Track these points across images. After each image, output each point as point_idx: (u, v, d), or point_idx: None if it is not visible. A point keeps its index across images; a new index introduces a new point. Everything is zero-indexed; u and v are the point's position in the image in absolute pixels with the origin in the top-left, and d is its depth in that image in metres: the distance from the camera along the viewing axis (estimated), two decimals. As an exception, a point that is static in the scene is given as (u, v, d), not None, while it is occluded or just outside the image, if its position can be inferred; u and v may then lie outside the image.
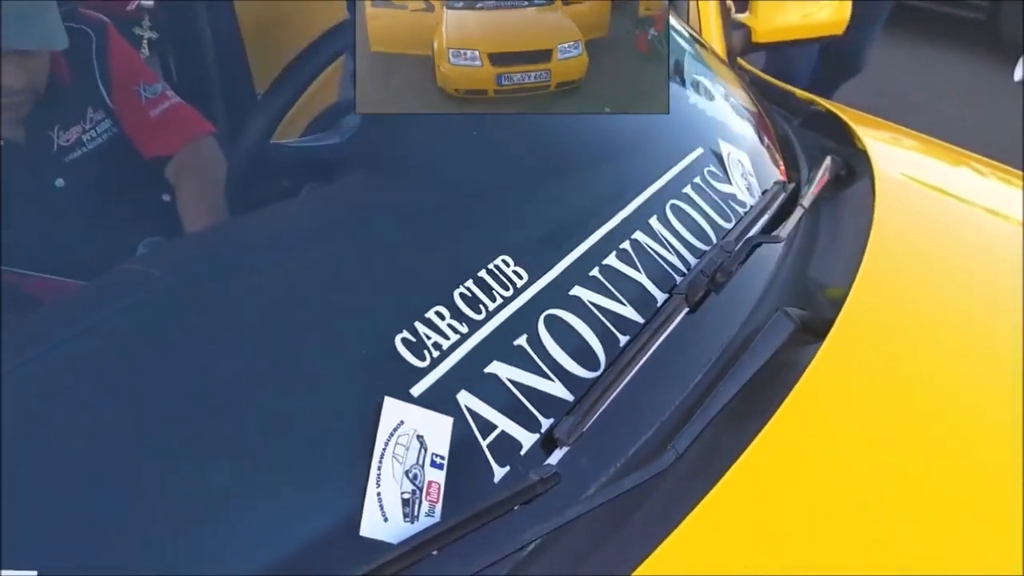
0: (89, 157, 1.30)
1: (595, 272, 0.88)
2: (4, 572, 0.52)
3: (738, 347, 0.89)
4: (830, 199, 1.21)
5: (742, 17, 1.84)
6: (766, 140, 1.34)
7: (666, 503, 0.71)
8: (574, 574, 0.67)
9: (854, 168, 1.29)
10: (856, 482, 0.76)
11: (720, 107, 1.31)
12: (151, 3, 1.30)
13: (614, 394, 0.78)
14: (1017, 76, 4.84)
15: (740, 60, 1.71)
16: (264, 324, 0.72)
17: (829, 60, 2.90)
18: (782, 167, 1.30)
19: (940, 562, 0.69)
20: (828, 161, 1.25)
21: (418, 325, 0.74)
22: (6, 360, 0.65)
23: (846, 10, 1.91)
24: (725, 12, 1.79)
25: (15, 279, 1.19)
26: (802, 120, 1.52)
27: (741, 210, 1.10)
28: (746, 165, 1.19)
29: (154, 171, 1.33)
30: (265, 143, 1.29)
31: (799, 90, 1.59)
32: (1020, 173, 1.43)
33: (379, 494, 0.64)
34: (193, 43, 1.53)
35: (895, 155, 1.39)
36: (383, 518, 0.64)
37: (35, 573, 0.52)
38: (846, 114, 1.47)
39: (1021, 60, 4.85)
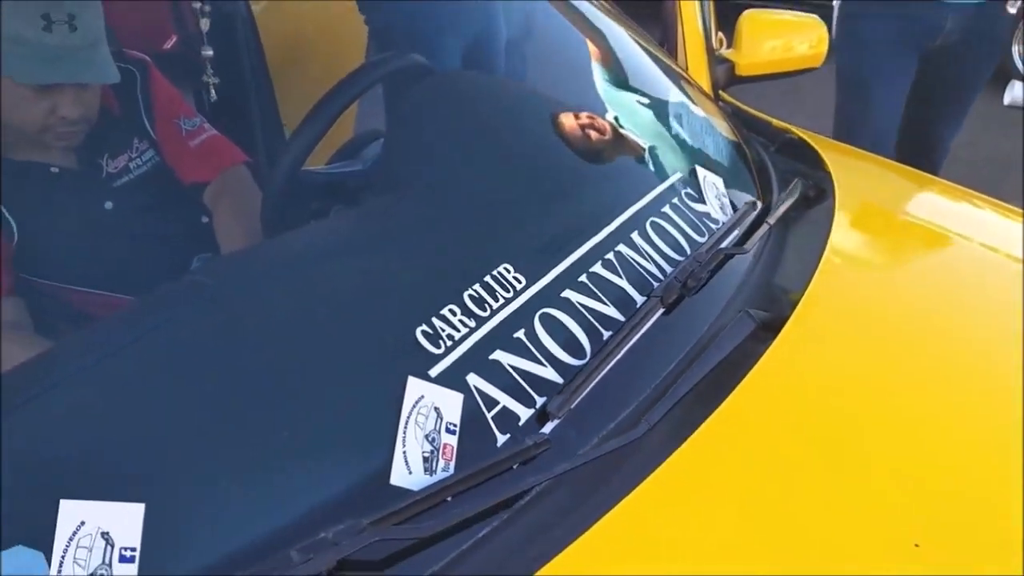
0: (134, 183, 1.45)
1: (583, 278, 1.03)
2: (117, 504, 0.67)
3: (706, 342, 1.04)
4: (797, 216, 1.37)
5: (726, 52, 2.00)
6: (742, 165, 1.50)
7: (639, 464, 0.86)
8: (565, 521, 0.82)
9: (821, 189, 1.45)
10: (796, 451, 0.91)
11: (699, 136, 1.47)
12: (211, 52, 1.46)
13: (597, 378, 0.94)
14: (1006, 100, 5.01)
15: (722, 93, 1.87)
16: (314, 321, 0.88)
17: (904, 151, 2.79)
18: (757, 189, 1.46)
19: (868, 524, 0.84)
20: (796, 183, 1.41)
21: (435, 320, 0.90)
22: (113, 343, 0.81)
23: (824, 44, 2.07)
24: (710, 49, 1.96)
25: (67, 294, 1.34)
26: (778, 147, 1.68)
27: (714, 226, 1.25)
28: (720, 188, 1.35)
29: (193, 196, 1.49)
30: (297, 170, 1.45)
31: (775, 120, 1.75)
32: (984, 196, 1.59)
33: (405, 452, 0.80)
34: (226, 80, 1.70)
35: (857, 177, 1.55)
36: (408, 471, 0.79)
37: (143, 505, 0.68)
38: (818, 142, 1.63)
39: (1010, 85, 5.02)
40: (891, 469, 0.89)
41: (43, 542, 0.65)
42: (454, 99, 1.33)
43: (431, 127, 1.28)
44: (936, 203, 1.55)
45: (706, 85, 1.86)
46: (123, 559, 0.66)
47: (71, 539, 0.65)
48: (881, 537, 0.82)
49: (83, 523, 0.66)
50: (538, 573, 0.74)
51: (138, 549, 0.66)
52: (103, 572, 0.65)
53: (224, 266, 1.20)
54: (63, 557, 0.64)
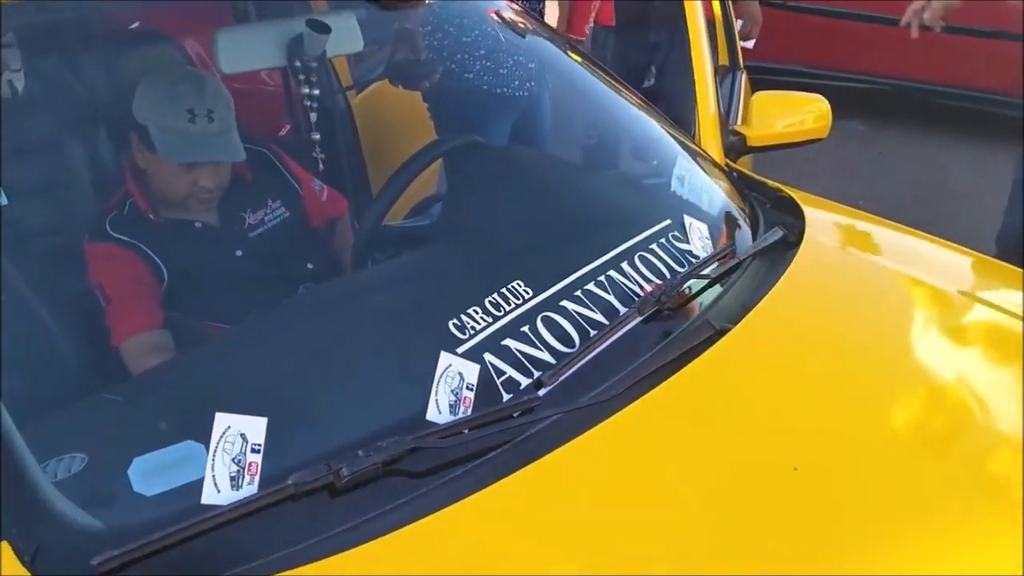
0: (265, 233, 1.86)
1: (578, 293, 1.41)
2: (250, 417, 1.06)
3: (669, 341, 1.39)
4: (768, 255, 1.70)
5: (737, 126, 2.36)
6: (732, 216, 1.85)
7: (600, 415, 1.21)
8: (546, 445, 1.17)
9: (794, 234, 1.79)
10: (721, 412, 1.26)
11: (695, 193, 1.83)
12: (318, 136, 1.88)
13: (580, 363, 1.30)
14: None
15: (727, 161, 2.22)
16: (385, 315, 1.28)
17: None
18: (749, 235, 1.81)
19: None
20: (774, 230, 1.75)
21: (462, 316, 1.28)
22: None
23: (827, 119, 2.41)
24: (723, 122, 2.32)
25: (202, 327, 1.73)
26: (771, 204, 2.02)
27: (694, 261, 1.61)
28: (704, 232, 1.70)
29: (306, 241, 1.90)
30: (379, 224, 1.86)
31: (771, 181, 2.09)
32: (956, 246, 1.90)
33: (436, 400, 1.18)
34: (329, 156, 2.12)
35: (826, 226, 1.88)
36: (438, 411, 1.17)
37: (266, 418, 1.07)
38: (804, 199, 1.97)
39: None
40: (784, 421, 1.24)
41: (203, 439, 1.05)
42: (493, 169, 1.74)
43: (475, 189, 1.69)
44: (890, 245, 1.87)
45: (717, 154, 2.22)
46: (253, 451, 1.05)
47: (221, 437, 1.05)
48: (770, 464, 1.16)
49: (229, 427, 1.05)
50: (524, 469, 1.09)
51: (263, 445, 1.05)
52: (240, 458, 1.04)
53: (327, 286, 1.63)
54: (216, 447, 1.04)
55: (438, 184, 2.06)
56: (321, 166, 1.96)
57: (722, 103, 2.45)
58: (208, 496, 1.02)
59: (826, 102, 2.43)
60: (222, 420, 1.05)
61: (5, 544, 0.93)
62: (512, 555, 1.02)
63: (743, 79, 2.89)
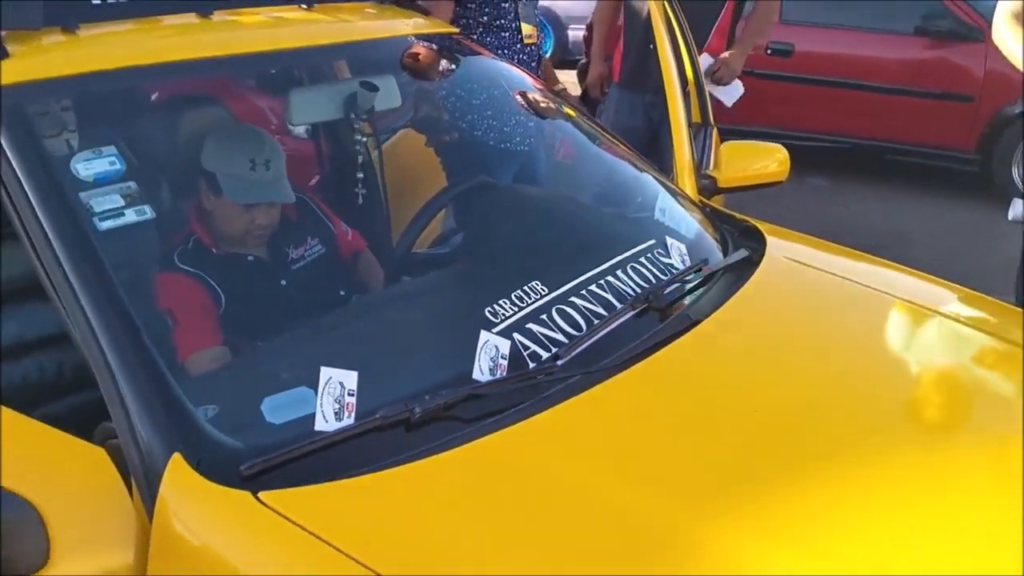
0: (305, 267, 2.19)
1: (584, 291, 1.77)
2: (346, 371, 1.42)
3: (653, 332, 1.76)
4: (735, 270, 2.08)
5: (709, 171, 2.76)
6: (706, 240, 2.23)
7: (603, 378, 1.57)
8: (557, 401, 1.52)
9: (756, 255, 2.17)
10: (694, 377, 1.63)
11: (673, 221, 2.21)
12: (361, 175, 2.24)
13: (586, 343, 1.66)
14: (1010, 216, 5.62)
15: (701, 198, 2.61)
16: (442, 307, 1.65)
17: None
18: (720, 254, 2.19)
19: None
20: (740, 251, 2.13)
21: (495, 305, 1.65)
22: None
23: (786, 164, 2.82)
24: (697, 167, 2.71)
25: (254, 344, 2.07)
26: (739, 231, 2.40)
27: (674, 272, 1.98)
28: (684, 251, 2.08)
29: (338, 273, 2.25)
30: (409, 252, 2.23)
31: (738, 214, 2.48)
32: (907, 268, 2.28)
33: (479, 365, 1.54)
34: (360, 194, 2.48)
35: (785, 247, 2.26)
36: (481, 373, 1.53)
37: (356, 372, 1.42)
38: (765, 228, 2.35)
39: (1013, 202, 5.64)
40: (741, 380, 1.61)
41: (313, 385, 1.40)
42: (505, 203, 2.12)
43: (490, 221, 2.07)
44: (842, 262, 2.26)
45: (692, 193, 2.61)
46: (349, 394, 1.41)
47: (326, 384, 1.40)
48: (729, 405, 1.53)
49: (331, 378, 1.41)
50: (543, 412, 1.45)
51: (355, 391, 1.41)
52: (340, 399, 1.40)
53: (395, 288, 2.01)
54: (323, 392, 1.40)
55: (454, 218, 2.43)
56: (359, 202, 2.30)
57: (696, 152, 2.85)
58: (319, 425, 1.37)
59: (785, 151, 2.83)
60: (326, 372, 1.41)
61: (177, 455, 1.27)
62: (532, 467, 1.38)
63: (714, 133, 3.30)
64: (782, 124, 6.16)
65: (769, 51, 6.30)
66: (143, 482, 1.26)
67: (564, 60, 8.54)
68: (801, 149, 6.21)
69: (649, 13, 3.60)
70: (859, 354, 1.79)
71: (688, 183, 2.62)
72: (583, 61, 7.02)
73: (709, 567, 1.21)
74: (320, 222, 2.20)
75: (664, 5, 3.04)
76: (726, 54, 4.11)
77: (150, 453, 1.28)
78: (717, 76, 3.99)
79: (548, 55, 8.25)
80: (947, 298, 2.22)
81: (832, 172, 6.33)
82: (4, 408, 1.24)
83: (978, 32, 5.82)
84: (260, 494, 1.24)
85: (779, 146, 2.85)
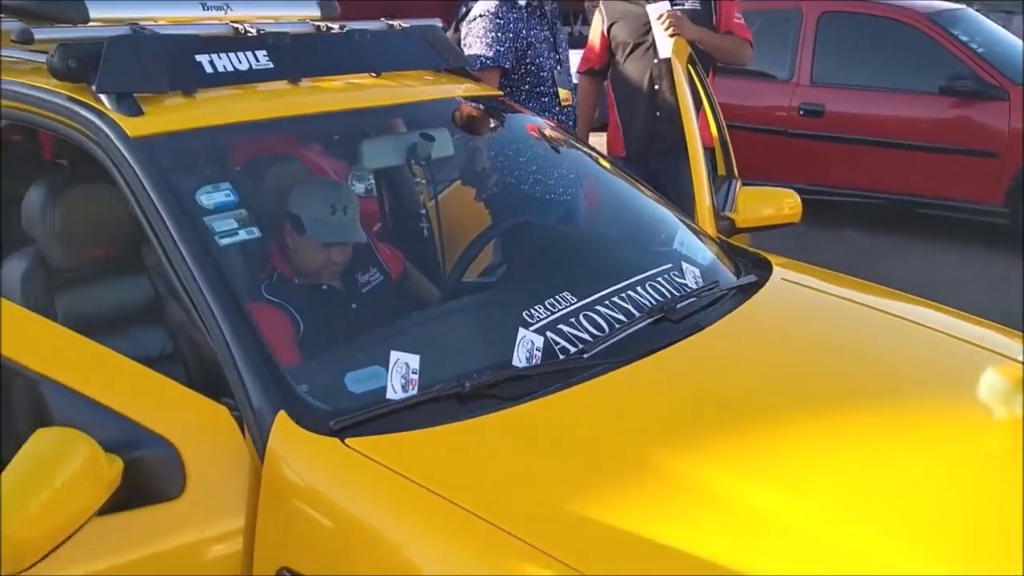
0: (369, 291, 2.58)
1: (607, 302, 2.12)
2: (411, 354, 1.78)
3: (667, 332, 2.10)
4: (742, 291, 2.41)
5: (728, 213, 3.10)
6: (722, 268, 2.57)
7: (620, 366, 1.91)
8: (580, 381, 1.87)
9: (762, 279, 2.50)
10: (700, 364, 1.96)
11: (690, 251, 2.55)
12: (424, 211, 2.64)
13: (608, 342, 2.01)
14: None
15: (720, 236, 2.95)
16: (488, 310, 2.02)
17: None
18: (731, 278, 2.52)
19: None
20: (749, 276, 2.47)
21: (531, 309, 2.01)
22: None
23: (798, 208, 3.15)
24: (716, 211, 3.06)
25: None
26: (751, 262, 2.74)
27: (687, 291, 2.32)
28: (698, 274, 2.42)
29: (395, 294, 2.62)
30: (459, 280, 2.60)
31: (751, 248, 2.82)
32: (897, 292, 2.60)
33: (518, 355, 1.90)
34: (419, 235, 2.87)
35: (788, 275, 2.59)
36: (520, 361, 1.89)
37: (419, 355, 1.79)
38: (774, 259, 2.68)
39: None
40: (736, 364, 1.94)
41: (384, 365, 1.77)
42: (543, 237, 2.49)
43: (529, 250, 2.43)
44: (844, 285, 2.58)
45: (712, 232, 2.95)
46: (412, 373, 1.77)
47: (395, 364, 1.77)
48: (723, 382, 1.86)
49: (399, 359, 1.77)
50: (568, 389, 1.80)
51: (418, 370, 1.77)
52: (405, 376, 1.76)
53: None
54: (392, 369, 1.76)
55: (498, 251, 2.80)
56: (417, 237, 2.69)
57: (719, 200, 3.20)
58: (389, 394, 1.74)
59: (796, 196, 3.17)
60: (395, 355, 1.78)
61: (282, 412, 1.64)
62: (557, 425, 1.74)
63: (737, 184, 3.65)
64: (816, 180, 6.46)
65: (801, 112, 6.67)
66: (256, 433, 1.63)
67: (604, 124, 8.97)
68: (836, 204, 6.60)
69: (650, 85, 3.99)
70: (843, 345, 2.12)
71: (708, 224, 2.97)
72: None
73: (684, 497, 1.55)
74: (372, 253, 2.52)
75: (689, 68, 3.44)
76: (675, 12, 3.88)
77: (261, 413, 1.65)
78: (666, 23, 3.81)
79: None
80: (938, 316, 2.51)
81: (866, 226, 6.61)
82: (153, 372, 1.63)
83: (1001, 91, 6.13)
84: (346, 440, 1.60)
85: (792, 191, 3.19)
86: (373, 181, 2.87)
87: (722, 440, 1.69)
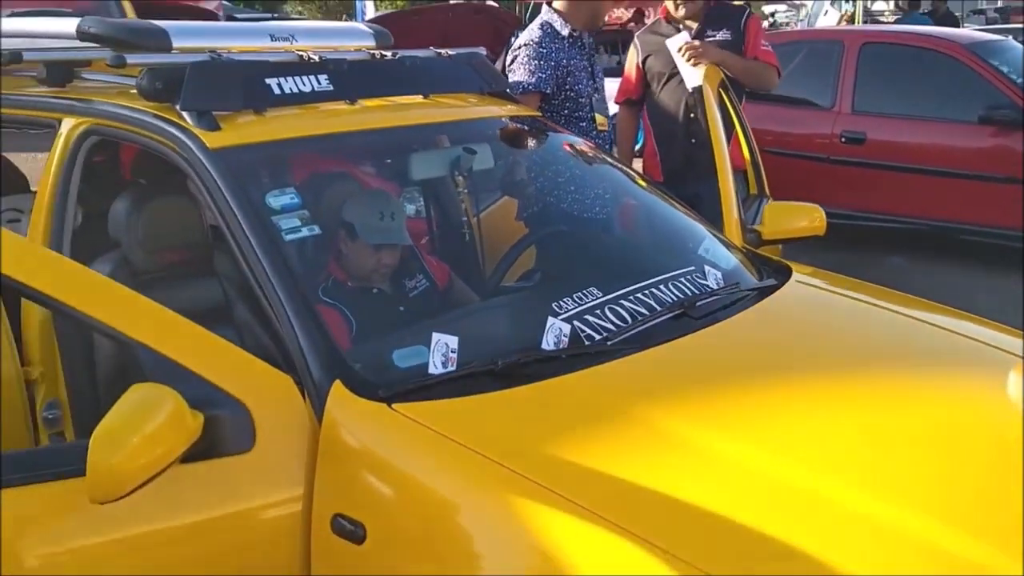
0: (416, 296, 2.82)
1: (629, 297, 2.33)
2: (450, 335, 2.01)
3: (684, 324, 2.30)
4: (761, 291, 2.61)
5: (756, 226, 3.30)
6: (744, 272, 2.77)
7: (638, 351, 2.13)
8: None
9: (780, 282, 2.69)
10: (713, 350, 2.16)
11: (714, 257, 2.76)
12: (465, 219, 2.90)
13: (630, 333, 2.22)
14: None
15: (747, 246, 3.14)
16: (522, 300, 2.25)
17: None
18: (752, 281, 2.72)
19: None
20: (768, 279, 2.67)
21: (560, 301, 2.23)
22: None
23: (822, 221, 3.33)
24: (744, 224, 3.25)
25: None
26: (773, 269, 2.93)
27: (708, 290, 2.53)
28: (719, 276, 2.62)
29: (439, 299, 2.85)
30: (498, 285, 2.84)
31: (774, 256, 3.01)
32: (912, 296, 2.78)
33: (548, 340, 2.12)
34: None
35: (807, 279, 2.78)
36: (549, 345, 2.11)
37: (457, 337, 2.02)
38: (794, 265, 2.88)
39: None
40: (745, 348, 2.14)
41: (427, 344, 2.00)
42: (575, 242, 2.72)
43: (562, 253, 2.66)
44: (850, 290, 2.76)
45: (738, 241, 3.15)
46: (452, 352, 2.01)
47: (436, 344, 2.01)
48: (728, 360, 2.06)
49: (439, 340, 2.02)
50: (599, 368, 2.01)
51: (457, 350, 2.01)
52: (445, 354, 1.99)
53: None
54: (434, 348, 2.00)
55: (535, 258, 3.03)
56: (460, 243, 2.94)
57: (748, 215, 3.40)
58: (431, 369, 1.97)
59: (821, 210, 3.35)
60: (435, 336, 2.02)
61: (338, 381, 1.88)
62: (578, 393, 1.97)
63: (768, 202, 3.84)
64: (857, 206, 6.60)
65: (843, 139, 6.82)
66: (315, 399, 1.87)
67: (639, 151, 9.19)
68: (879, 230, 6.70)
69: (686, 113, 4.21)
70: (847, 334, 2.33)
71: (735, 235, 3.17)
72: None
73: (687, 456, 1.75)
74: (419, 261, 2.77)
75: (721, 92, 3.66)
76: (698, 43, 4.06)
77: (320, 382, 1.89)
78: (688, 53, 3.96)
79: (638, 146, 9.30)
80: (943, 317, 2.68)
81: (909, 251, 6.70)
82: (232, 345, 1.88)
83: (1039, 120, 6.23)
84: (392, 405, 1.84)
85: (817, 206, 3.37)
86: (422, 202, 3.14)
87: (722, 408, 1.91)
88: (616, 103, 4.54)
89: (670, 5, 4.33)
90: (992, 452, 1.86)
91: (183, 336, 1.83)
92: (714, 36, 4.20)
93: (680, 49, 3.98)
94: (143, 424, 1.61)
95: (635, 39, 4.47)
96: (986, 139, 6.46)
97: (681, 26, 4.25)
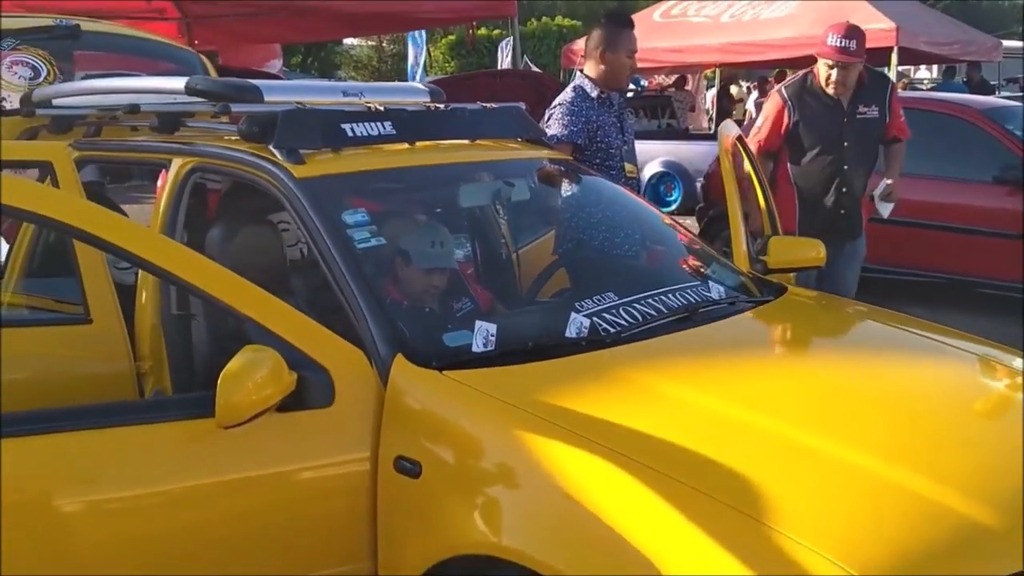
0: (463, 316, 3.29)
1: (643, 301, 2.79)
2: (490, 324, 2.48)
3: (685, 323, 2.75)
4: (759, 304, 3.05)
5: (763, 257, 3.74)
6: (745, 288, 3.21)
7: (641, 339, 2.58)
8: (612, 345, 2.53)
9: (776, 297, 3.13)
10: (710, 349, 2.61)
11: (719, 276, 3.20)
12: (502, 255, 3.40)
13: (641, 328, 2.67)
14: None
15: (751, 271, 3.58)
16: (550, 300, 2.73)
17: None
18: (752, 296, 3.16)
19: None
20: (766, 296, 3.11)
21: (582, 301, 2.70)
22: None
23: (822, 252, 3.76)
24: (751, 255, 3.69)
25: None
26: (773, 289, 3.36)
27: (710, 299, 2.97)
28: (722, 290, 3.07)
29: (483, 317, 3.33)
30: (534, 300, 3.31)
31: (775, 280, 3.45)
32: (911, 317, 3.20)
33: (569, 330, 2.58)
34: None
35: (802, 294, 3.21)
36: (571, 334, 2.57)
37: (496, 324, 2.49)
38: (791, 287, 3.31)
39: None
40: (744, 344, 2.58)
41: (471, 329, 2.48)
42: (599, 262, 3.21)
43: (588, 272, 3.15)
44: (843, 303, 3.19)
45: (746, 268, 3.59)
46: (491, 336, 2.48)
47: (478, 329, 2.48)
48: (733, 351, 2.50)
49: (481, 326, 2.50)
50: (611, 349, 2.47)
51: (495, 334, 2.48)
52: (486, 337, 2.47)
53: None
54: (477, 333, 2.48)
55: (563, 279, 3.50)
56: (499, 265, 3.43)
57: (759, 249, 3.85)
58: (475, 348, 2.45)
59: (822, 245, 3.79)
60: (478, 323, 2.50)
61: (400, 355, 2.36)
62: (593, 367, 2.41)
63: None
64: (883, 261, 6.97)
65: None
66: (381, 368, 2.36)
67: (690, 208, 9.68)
68: (901, 283, 7.05)
69: (838, 188, 4.74)
70: (832, 333, 2.75)
71: (742, 263, 3.62)
72: (700, 206, 8.17)
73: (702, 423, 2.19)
74: (465, 287, 3.22)
75: (736, 143, 4.14)
76: (891, 181, 4.96)
77: (386, 355, 2.37)
78: (890, 195, 4.87)
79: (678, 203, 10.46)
80: (933, 333, 3.07)
81: (929, 304, 7.03)
82: (319, 324, 2.37)
83: (1050, 180, 6.60)
84: (444, 372, 2.31)
85: (818, 241, 3.81)
86: (469, 247, 3.63)
87: (711, 376, 2.39)
88: (758, 153, 4.68)
89: (822, 73, 4.62)
90: (948, 416, 2.29)
91: (282, 314, 2.33)
92: (865, 114, 4.67)
93: (887, 195, 4.84)
94: (254, 372, 2.10)
95: (781, 92, 4.80)
96: (1001, 198, 6.83)
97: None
